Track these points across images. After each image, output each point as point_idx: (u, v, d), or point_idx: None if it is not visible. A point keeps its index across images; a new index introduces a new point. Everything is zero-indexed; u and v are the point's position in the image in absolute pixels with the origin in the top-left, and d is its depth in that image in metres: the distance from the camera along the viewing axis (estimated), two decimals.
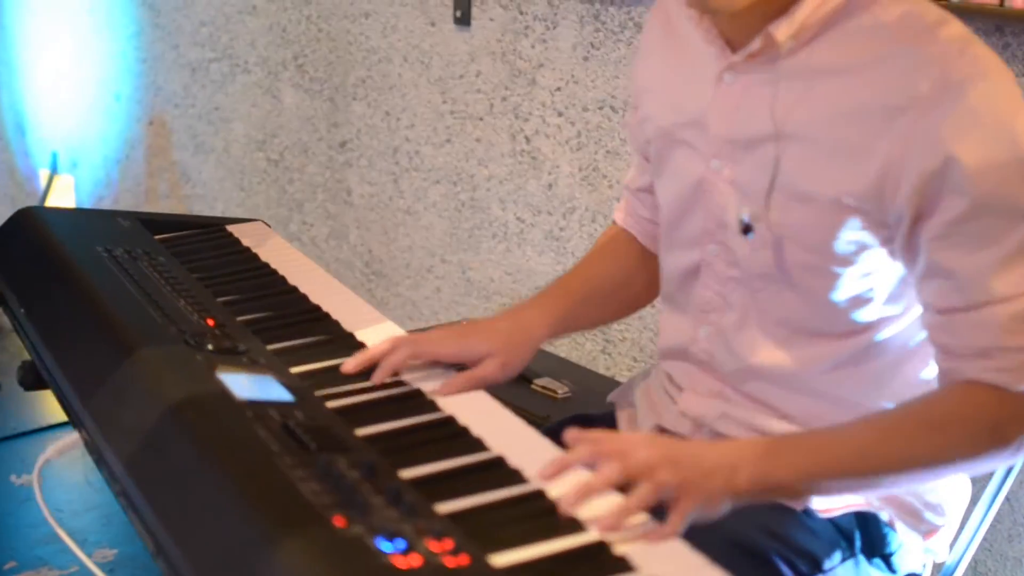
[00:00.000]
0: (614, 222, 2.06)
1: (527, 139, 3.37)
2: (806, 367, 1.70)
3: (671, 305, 1.87)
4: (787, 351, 1.70)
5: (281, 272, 2.08)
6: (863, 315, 1.66)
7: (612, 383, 2.94)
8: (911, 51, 1.52)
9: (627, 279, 2.01)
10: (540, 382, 2.78)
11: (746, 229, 1.66)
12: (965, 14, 2.54)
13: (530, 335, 1.85)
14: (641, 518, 1.36)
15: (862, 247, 1.60)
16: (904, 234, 1.55)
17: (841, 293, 1.64)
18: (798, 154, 1.60)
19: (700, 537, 1.38)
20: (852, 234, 1.59)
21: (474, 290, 3.59)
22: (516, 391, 2.67)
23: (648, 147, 1.87)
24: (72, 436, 1.70)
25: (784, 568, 1.63)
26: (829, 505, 1.70)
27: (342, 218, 3.97)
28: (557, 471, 1.41)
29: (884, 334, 1.68)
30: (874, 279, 1.63)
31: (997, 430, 1.54)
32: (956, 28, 1.54)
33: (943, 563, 1.91)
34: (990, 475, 1.92)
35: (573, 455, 1.42)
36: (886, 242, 1.59)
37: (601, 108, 3.18)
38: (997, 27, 2.47)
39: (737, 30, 1.64)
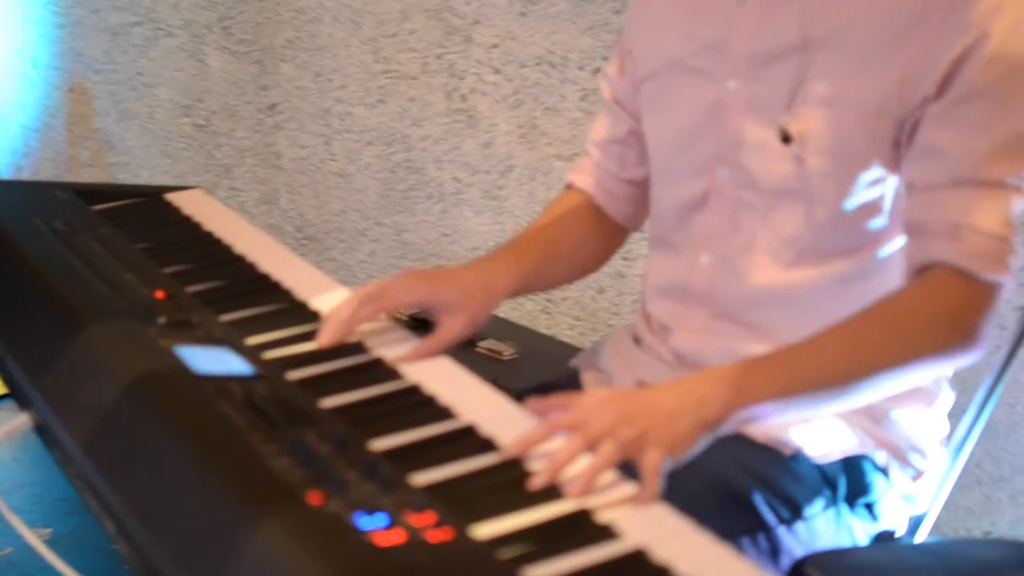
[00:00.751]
0: (569, 185, 2.04)
1: (463, 97, 3.33)
2: (810, 288, 1.73)
3: (663, 246, 1.88)
4: (793, 272, 1.73)
5: (227, 240, 2.03)
6: (870, 227, 1.69)
7: (555, 343, 2.91)
8: None
9: (583, 242, 2.00)
10: (484, 344, 2.74)
11: (785, 137, 1.68)
12: None
13: (494, 290, 1.81)
14: (610, 476, 1.33)
15: (877, 150, 1.64)
16: (911, 124, 1.61)
17: (853, 200, 1.67)
18: (823, 61, 1.64)
19: (683, 476, 1.39)
20: (870, 135, 1.63)
21: (410, 253, 3.55)
22: (460, 354, 2.62)
23: (634, 93, 1.91)
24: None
25: (765, 511, 1.63)
26: (822, 451, 1.71)
27: (272, 183, 3.91)
28: (522, 450, 1.38)
29: (886, 250, 1.71)
30: (883, 186, 1.67)
31: (957, 320, 1.57)
32: None
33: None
34: (956, 428, 1.92)
35: (533, 434, 1.39)
36: (896, 145, 1.64)
37: (539, 64, 3.14)
38: None
39: None
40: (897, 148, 1.64)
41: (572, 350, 2.83)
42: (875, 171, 1.66)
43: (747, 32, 1.72)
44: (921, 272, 1.61)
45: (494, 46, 3.22)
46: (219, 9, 3.94)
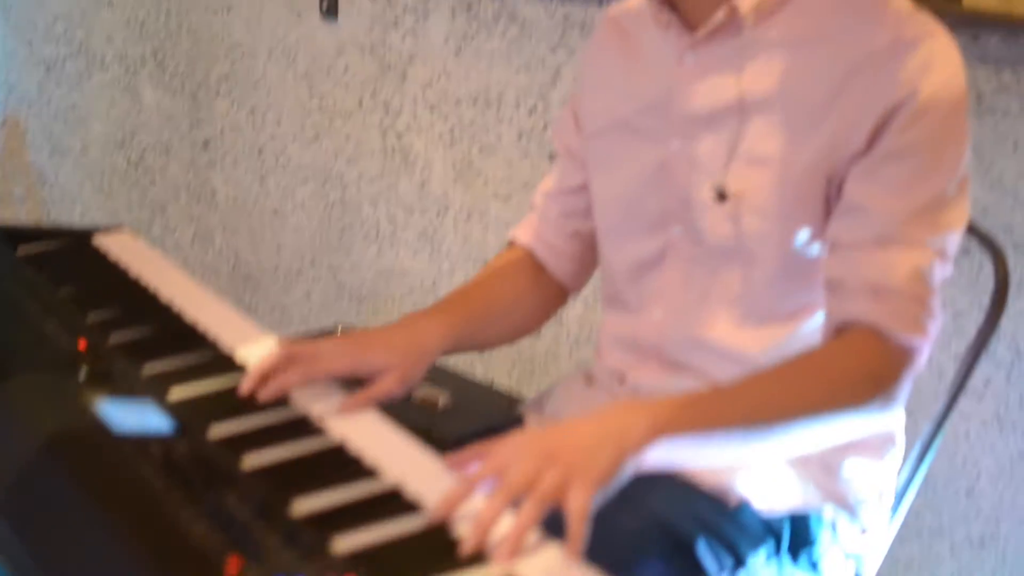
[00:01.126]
0: (511, 242, 2.02)
1: (398, 135, 3.30)
2: (760, 347, 1.71)
3: (616, 303, 1.87)
4: (744, 331, 1.72)
5: (154, 286, 1.98)
6: (814, 289, 1.68)
7: (491, 391, 2.88)
8: (865, 18, 1.61)
9: (521, 301, 1.98)
10: (419, 392, 2.69)
11: (721, 196, 1.68)
12: None
13: (425, 350, 1.79)
14: (534, 537, 1.30)
15: (812, 210, 1.64)
16: (839, 181, 1.61)
17: (793, 262, 1.67)
18: (759, 122, 1.66)
19: (627, 518, 1.40)
20: (804, 195, 1.63)
21: (346, 293, 3.51)
22: (393, 403, 2.59)
23: (585, 147, 1.90)
24: None
25: (707, 558, 1.62)
26: (768, 503, 1.69)
27: (207, 220, 3.87)
28: (446, 511, 1.35)
29: None
30: (823, 248, 1.67)
31: (875, 379, 1.58)
32: (906, 1, 1.64)
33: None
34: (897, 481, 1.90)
35: (456, 492, 1.36)
36: (829, 202, 1.64)
37: (475, 103, 3.12)
38: None
39: (697, 9, 1.69)
40: (829, 206, 1.64)
41: (509, 398, 2.79)
42: (812, 232, 1.66)
43: (686, 92, 1.72)
44: (840, 330, 1.61)
45: (429, 84, 3.20)
46: (153, 43, 3.90)
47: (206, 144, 3.81)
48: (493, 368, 3.17)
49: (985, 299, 1.98)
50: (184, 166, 3.90)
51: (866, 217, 1.58)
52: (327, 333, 3.34)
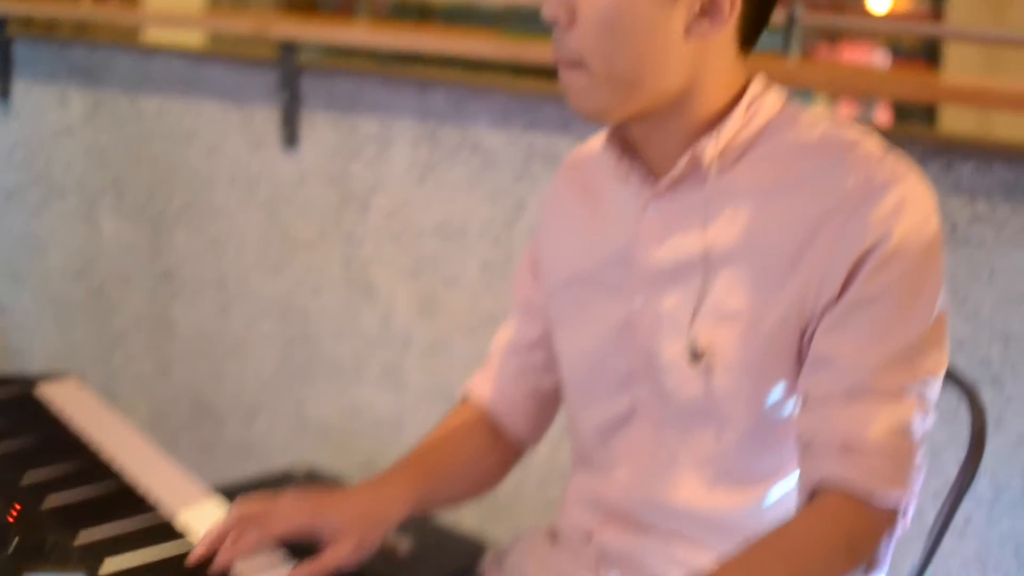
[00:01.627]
0: (465, 396, 1.96)
1: (361, 267, 3.26)
2: (732, 511, 1.64)
3: (584, 464, 1.80)
4: (715, 493, 1.65)
5: (96, 442, 1.93)
6: (789, 450, 1.62)
7: (455, 536, 2.81)
8: (834, 164, 1.55)
9: (479, 460, 1.92)
10: None
11: (695, 355, 1.62)
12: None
13: (385, 516, 1.74)
14: None
15: (785, 366, 1.58)
16: (811, 333, 1.55)
17: (766, 421, 1.61)
18: (727, 276, 1.60)
19: None
20: (776, 351, 1.57)
21: (310, 429, 3.44)
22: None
23: (548, 302, 1.84)
24: None
25: None
26: None
27: (167, 352, 3.80)
28: None
29: None
30: (792, 407, 1.61)
31: (852, 546, 1.50)
32: (874, 143, 1.58)
33: None
34: None
35: None
36: (799, 357, 1.58)
37: (438, 234, 3.07)
38: None
39: (659, 158, 1.64)
40: (800, 362, 1.58)
41: (472, 543, 2.73)
42: (786, 389, 1.59)
43: (649, 245, 1.66)
44: (814, 493, 1.53)
45: (392, 214, 3.16)
46: (113, 172, 3.85)
47: (166, 274, 3.75)
48: (457, 510, 3.09)
49: (964, 433, 1.91)
50: (144, 296, 3.84)
51: (836, 369, 1.51)
52: (288, 475, 3.27)
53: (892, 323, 1.51)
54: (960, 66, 4.35)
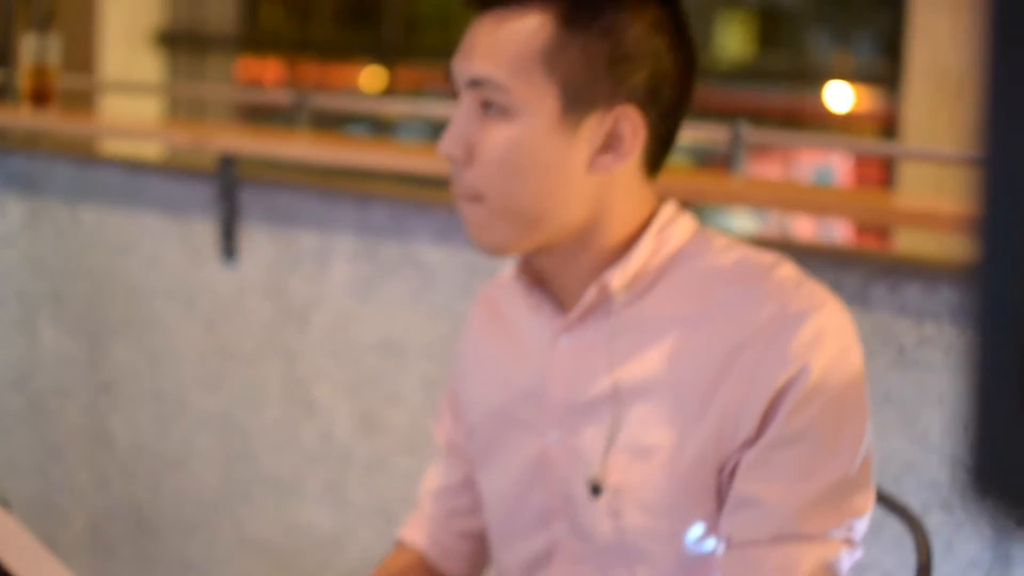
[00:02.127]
0: (400, 542, 1.94)
1: (300, 383, 3.23)
2: None
3: None
4: None
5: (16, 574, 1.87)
6: None
7: None
8: (748, 291, 1.54)
9: None
10: None
11: (595, 489, 1.59)
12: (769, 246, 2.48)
13: None
14: None
15: (702, 504, 1.55)
16: (730, 470, 1.52)
17: (682, 561, 1.57)
18: (640, 411, 1.57)
19: None
20: (692, 488, 1.54)
21: (250, 546, 3.40)
22: None
23: (468, 440, 1.82)
24: None
25: None
26: None
27: (106, 466, 3.75)
28: None
29: None
30: (715, 544, 1.57)
31: None
32: (790, 268, 1.57)
33: None
34: None
35: None
36: (719, 494, 1.55)
37: (378, 350, 3.06)
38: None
39: (568, 289, 1.63)
40: (722, 498, 1.54)
41: None
42: (707, 526, 1.55)
43: (561, 380, 1.64)
44: None
45: (332, 330, 3.15)
46: (51, 282, 3.82)
47: (105, 387, 3.72)
48: None
49: (911, 560, 1.91)
50: (82, 409, 3.80)
51: (760, 512, 1.48)
52: None
53: (816, 462, 1.47)
54: (917, 171, 4.38)
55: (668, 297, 1.58)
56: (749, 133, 2.75)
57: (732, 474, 1.52)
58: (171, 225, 3.48)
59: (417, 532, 1.92)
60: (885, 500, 1.97)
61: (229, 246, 3.33)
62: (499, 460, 1.75)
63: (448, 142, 1.55)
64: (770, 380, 1.48)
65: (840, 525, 1.48)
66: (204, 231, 3.41)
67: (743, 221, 4.74)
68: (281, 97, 3.71)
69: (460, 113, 1.55)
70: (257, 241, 3.30)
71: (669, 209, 1.61)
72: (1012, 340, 0.49)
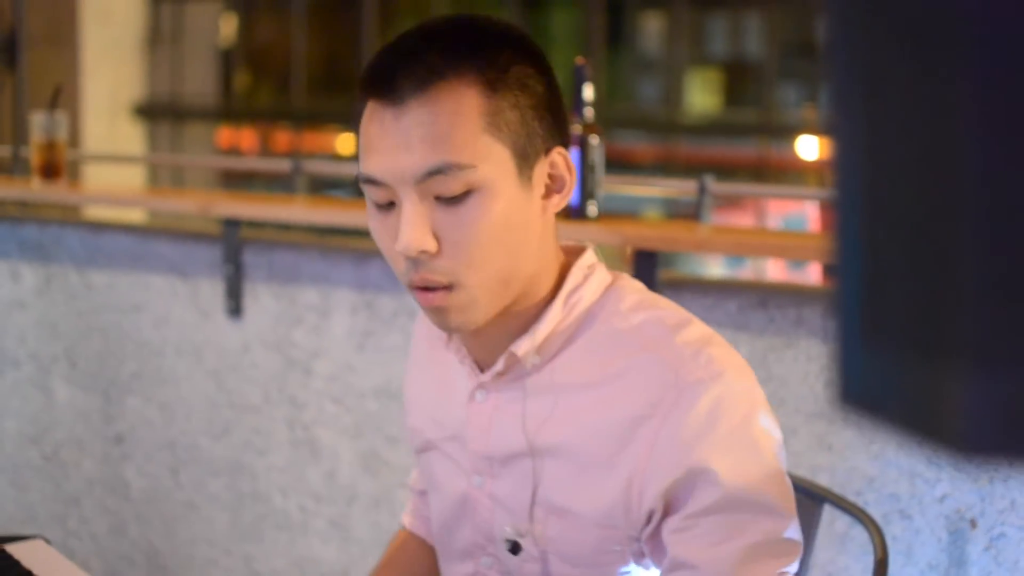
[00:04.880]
0: (403, 526, 2.02)
1: (305, 428, 3.38)
2: None
3: None
4: None
5: None
6: None
7: None
8: (649, 358, 1.52)
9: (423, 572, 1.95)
10: None
11: (514, 548, 1.62)
12: (730, 289, 2.66)
13: None
14: None
15: (620, 559, 1.57)
16: (650, 534, 1.52)
17: None
18: (553, 469, 1.58)
19: None
20: (609, 546, 1.56)
21: None
22: None
23: (417, 461, 1.85)
24: None
25: None
26: None
27: (121, 513, 3.90)
28: None
29: None
30: None
31: None
32: (695, 331, 1.55)
33: None
34: None
35: None
36: (638, 556, 1.57)
37: (377, 395, 3.21)
38: (761, 302, 2.58)
39: (483, 350, 1.62)
40: (641, 557, 1.56)
41: None
42: (631, 573, 1.58)
43: (478, 432, 1.65)
44: None
45: (333, 378, 3.30)
46: (64, 342, 3.97)
47: (119, 439, 3.87)
48: None
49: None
50: (97, 460, 3.95)
51: (697, 572, 1.48)
52: None
53: (742, 523, 1.47)
54: None
55: (575, 361, 1.57)
56: (715, 185, 2.92)
57: (652, 538, 1.52)
58: (179, 285, 3.65)
59: (413, 517, 1.98)
60: (850, 510, 2.08)
61: (235, 303, 3.49)
62: (437, 487, 1.75)
63: (417, 239, 1.46)
64: (666, 467, 1.48)
65: (775, 572, 1.49)
66: (211, 290, 3.58)
67: (720, 268, 4.89)
68: (280, 165, 3.80)
69: (413, 209, 1.47)
70: (261, 298, 3.47)
71: (580, 269, 1.60)
72: (859, 288, 0.59)
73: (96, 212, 4.33)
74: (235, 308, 3.49)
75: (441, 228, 1.48)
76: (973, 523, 2.53)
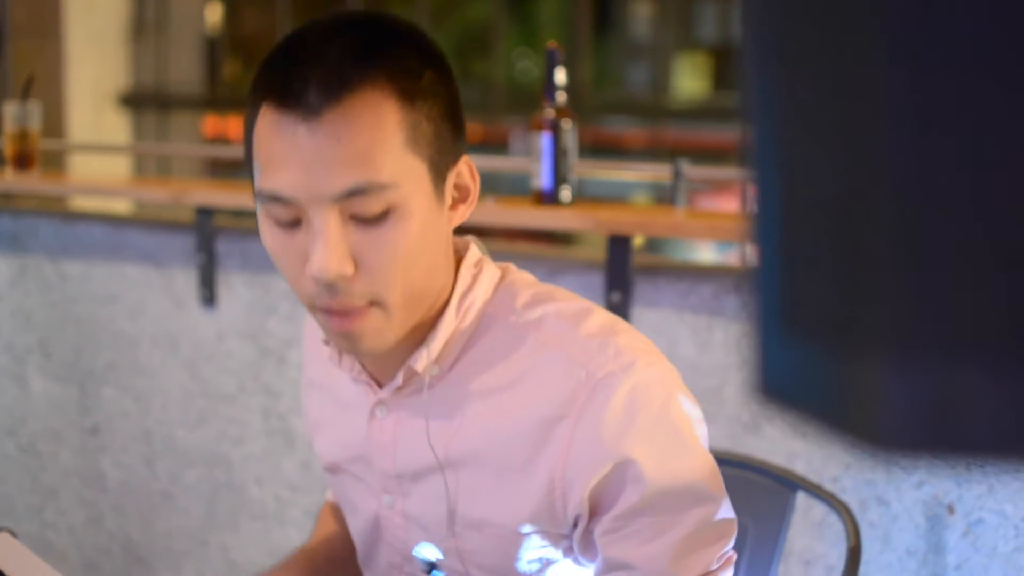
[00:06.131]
0: (327, 501, 1.95)
1: (280, 417, 3.37)
2: None
3: None
4: None
5: None
6: None
7: None
8: (553, 355, 1.46)
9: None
10: None
11: (430, 568, 1.54)
12: (705, 274, 2.65)
13: None
14: None
15: (547, 563, 1.52)
16: (580, 535, 1.48)
17: None
18: (467, 481, 1.51)
19: None
20: (535, 552, 1.51)
21: (237, 572, 3.53)
22: None
23: (328, 475, 1.77)
24: None
25: None
26: None
27: (98, 504, 3.89)
28: None
29: None
30: None
31: None
32: (597, 320, 1.49)
33: None
34: None
35: None
36: (568, 552, 1.52)
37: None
38: (735, 286, 2.57)
39: (379, 364, 1.54)
40: (571, 553, 1.52)
41: None
42: None
43: (382, 449, 1.58)
44: None
45: None
46: (39, 332, 3.95)
47: (94, 430, 3.85)
48: None
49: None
50: (73, 452, 3.93)
51: (633, 571, 1.45)
52: None
53: (672, 516, 1.44)
54: None
55: (476, 367, 1.50)
56: (690, 170, 2.91)
57: (583, 538, 1.48)
58: (153, 275, 3.63)
59: (334, 495, 1.89)
60: (823, 497, 2.09)
61: (208, 293, 3.48)
62: (351, 508, 1.70)
63: (336, 262, 1.36)
64: (588, 467, 1.43)
65: (715, 558, 1.46)
66: (184, 279, 3.56)
67: (707, 253, 4.87)
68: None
69: (332, 230, 1.36)
70: (235, 287, 3.46)
71: (468, 269, 1.53)
72: (776, 274, 0.57)
73: (80, 202, 4.31)
74: (209, 297, 3.47)
75: (358, 250, 1.38)
76: (951, 508, 2.52)
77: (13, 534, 2.28)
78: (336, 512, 1.91)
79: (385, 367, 1.54)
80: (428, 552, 1.55)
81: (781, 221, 0.58)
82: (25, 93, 3.71)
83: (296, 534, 3.35)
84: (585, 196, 2.92)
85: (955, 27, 0.51)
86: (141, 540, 3.78)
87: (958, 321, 0.53)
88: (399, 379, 1.52)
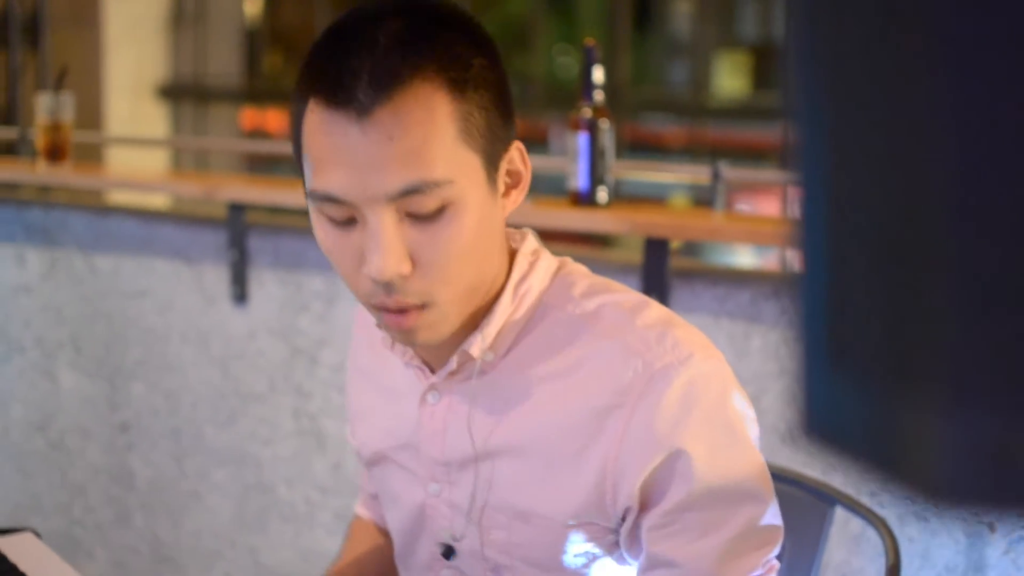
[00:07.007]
0: (357, 516, 1.93)
1: (311, 418, 3.33)
2: None
3: None
4: None
5: None
6: None
7: None
8: (610, 345, 1.45)
9: (387, 559, 1.85)
10: None
11: (447, 552, 1.57)
12: (743, 279, 2.60)
13: None
14: None
15: (592, 558, 1.50)
16: (627, 531, 1.46)
17: None
18: (511, 471, 1.50)
19: None
20: (579, 547, 1.49)
21: (265, 574, 3.50)
22: None
23: (368, 472, 1.76)
24: None
25: None
26: None
27: (126, 502, 3.86)
28: None
29: None
30: None
31: None
32: (654, 313, 1.48)
33: None
34: None
35: None
36: (613, 548, 1.50)
37: None
38: (774, 292, 2.53)
39: (432, 349, 1.52)
40: (616, 549, 1.50)
41: None
42: None
43: (432, 436, 1.56)
44: None
45: (339, 367, 3.25)
46: (70, 328, 3.93)
47: (124, 427, 3.83)
48: None
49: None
50: (103, 448, 3.91)
51: (679, 570, 1.43)
52: None
53: (721, 515, 1.43)
54: None
55: (531, 355, 1.49)
56: (729, 172, 2.86)
57: (631, 535, 1.47)
58: (184, 271, 3.61)
59: (365, 508, 1.90)
60: (862, 513, 2.03)
61: (240, 290, 3.45)
62: (393, 500, 1.68)
63: (394, 263, 1.35)
64: (640, 457, 1.42)
65: (759, 564, 1.45)
66: (216, 276, 3.54)
67: (745, 257, 4.81)
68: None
69: (388, 230, 1.35)
70: (266, 284, 3.43)
71: (525, 257, 1.52)
72: (824, 305, 0.54)
73: (114, 196, 4.29)
74: (240, 294, 3.44)
75: (415, 248, 1.37)
76: (992, 526, 2.47)
77: (37, 534, 2.26)
78: (367, 529, 1.90)
79: (439, 352, 1.52)
80: (448, 537, 1.56)
81: (830, 242, 0.54)
82: (58, 84, 3.69)
83: (326, 537, 3.32)
84: (623, 194, 2.88)
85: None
86: (169, 539, 3.76)
87: (1021, 366, 0.49)
88: (453, 363, 1.50)
